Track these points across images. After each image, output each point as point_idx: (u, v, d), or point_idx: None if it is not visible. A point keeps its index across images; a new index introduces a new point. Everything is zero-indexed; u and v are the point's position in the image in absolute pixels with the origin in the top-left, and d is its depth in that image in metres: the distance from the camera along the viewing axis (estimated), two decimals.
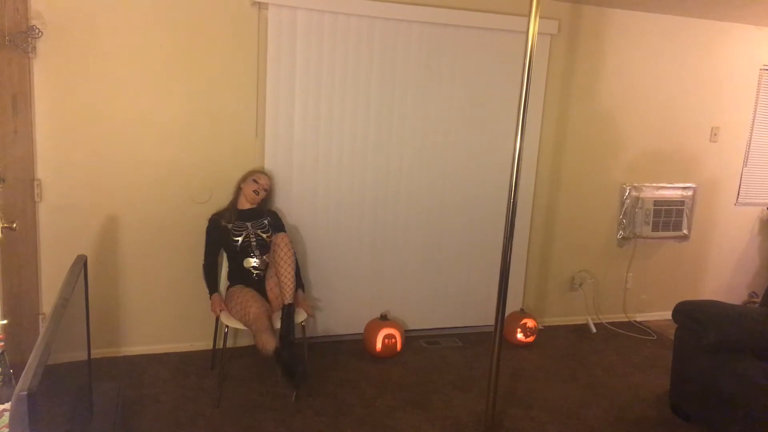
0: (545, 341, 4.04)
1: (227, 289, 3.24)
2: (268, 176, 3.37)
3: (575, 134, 4.15)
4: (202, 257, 3.26)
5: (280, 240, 3.10)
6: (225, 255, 3.30)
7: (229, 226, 3.19)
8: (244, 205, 3.28)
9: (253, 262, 3.18)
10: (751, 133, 4.61)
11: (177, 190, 3.38)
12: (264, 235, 3.22)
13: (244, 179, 3.30)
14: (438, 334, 4.02)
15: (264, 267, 3.20)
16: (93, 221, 3.26)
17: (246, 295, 3.04)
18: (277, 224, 3.36)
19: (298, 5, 3.33)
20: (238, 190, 3.30)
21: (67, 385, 1.90)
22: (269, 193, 3.38)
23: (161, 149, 3.31)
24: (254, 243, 3.19)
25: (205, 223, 3.30)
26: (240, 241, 3.17)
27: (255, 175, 3.30)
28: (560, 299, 4.38)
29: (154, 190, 3.34)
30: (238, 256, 3.18)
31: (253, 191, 3.24)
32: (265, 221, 3.27)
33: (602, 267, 4.43)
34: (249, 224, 3.22)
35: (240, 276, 3.20)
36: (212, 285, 3.22)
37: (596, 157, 4.24)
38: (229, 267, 3.26)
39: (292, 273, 3.06)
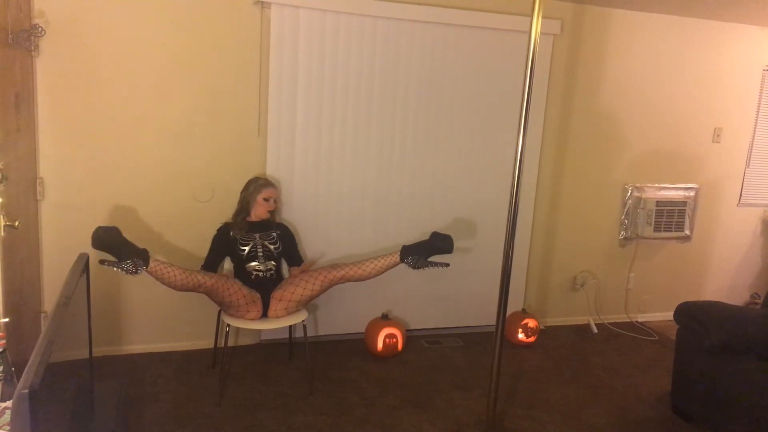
0: (546, 341, 4.03)
1: None
2: (273, 184, 3.35)
3: (577, 134, 4.15)
4: (203, 260, 3.28)
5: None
6: (228, 258, 3.34)
7: (237, 237, 3.21)
8: (265, 216, 3.30)
9: (255, 264, 3.19)
10: (754, 133, 4.60)
11: (179, 188, 3.38)
12: (272, 247, 3.24)
13: (251, 194, 3.27)
14: (439, 334, 4.02)
15: (265, 270, 3.20)
16: (95, 219, 3.26)
17: (237, 284, 3.07)
18: (288, 237, 3.37)
19: (300, 4, 3.33)
20: (245, 203, 3.29)
21: (69, 383, 1.91)
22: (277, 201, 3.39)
23: (163, 148, 3.31)
24: (260, 253, 3.21)
25: (208, 222, 3.33)
26: (246, 251, 3.20)
27: (265, 192, 3.27)
28: (562, 299, 4.38)
29: (156, 188, 3.34)
30: (242, 262, 3.21)
31: (269, 211, 3.29)
32: (274, 234, 3.29)
33: (604, 267, 4.42)
34: (257, 235, 3.24)
35: (240, 276, 3.21)
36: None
37: (598, 157, 4.23)
38: (234, 270, 3.29)
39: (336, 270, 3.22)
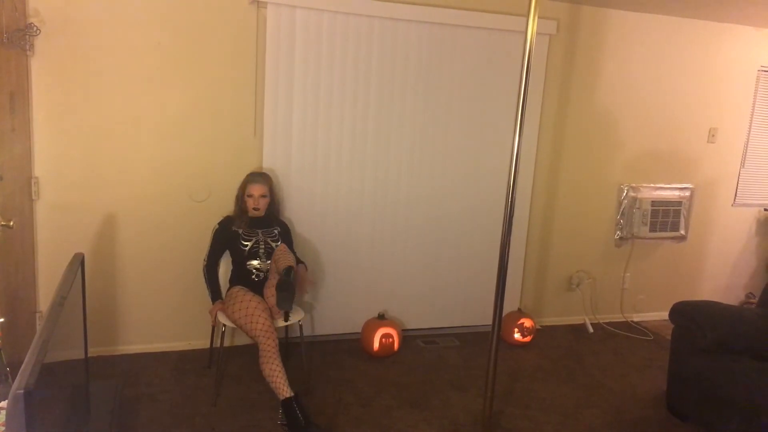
0: (542, 341, 4.04)
1: (228, 290, 3.23)
2: (265, 179, 3.29)
3: (573, 134, 4.15)
4: (205, 256, 3.26)
5: (280, 247, 3.17)
6: (229, 255, 3.30)
7: (240, 231, 3.20)
8: (253, 214, 3.28)
9: (256, 263, 3.18)
10: (749, 134, 4.62)
11: (175, 188, 3.37)
12: (273, 244, 3.23)
13: (242, 189, 3.27)
14: (435, 334, 4.03)
15: (265, 270, 3.19)
16: (90, 219, 3.26)
17: (252, 302, 2.97)
18: (286, 236, 3.36)
19: (297, 4, 3.33)
20: (241, 199, 3.27)
21: (64, 383, 1.90)
22: (271, 196, 3.31)
23: (159, 147, 3.31)
24: (262, 250, 3.20)
25: (203, 222, 3.32)
26: (249, 246, 3.18)
27: (249, 188, 3.23)
28: (558, 299, 4.38)
29: (151, 188, 3.33)
30: (243, 259, 3.19)
31: (253, 208, 3.24)
32: (276, 231, 3.28)
33: (600, 267, 4.43)
34: (260, 231, 3.23)
35: (240, 276, 3.19)
36: (215, 290, 3.21)
37: (594, 157, 4.24)
38: (232, 268, 3.26)
39: (292, 257, 3.09)
